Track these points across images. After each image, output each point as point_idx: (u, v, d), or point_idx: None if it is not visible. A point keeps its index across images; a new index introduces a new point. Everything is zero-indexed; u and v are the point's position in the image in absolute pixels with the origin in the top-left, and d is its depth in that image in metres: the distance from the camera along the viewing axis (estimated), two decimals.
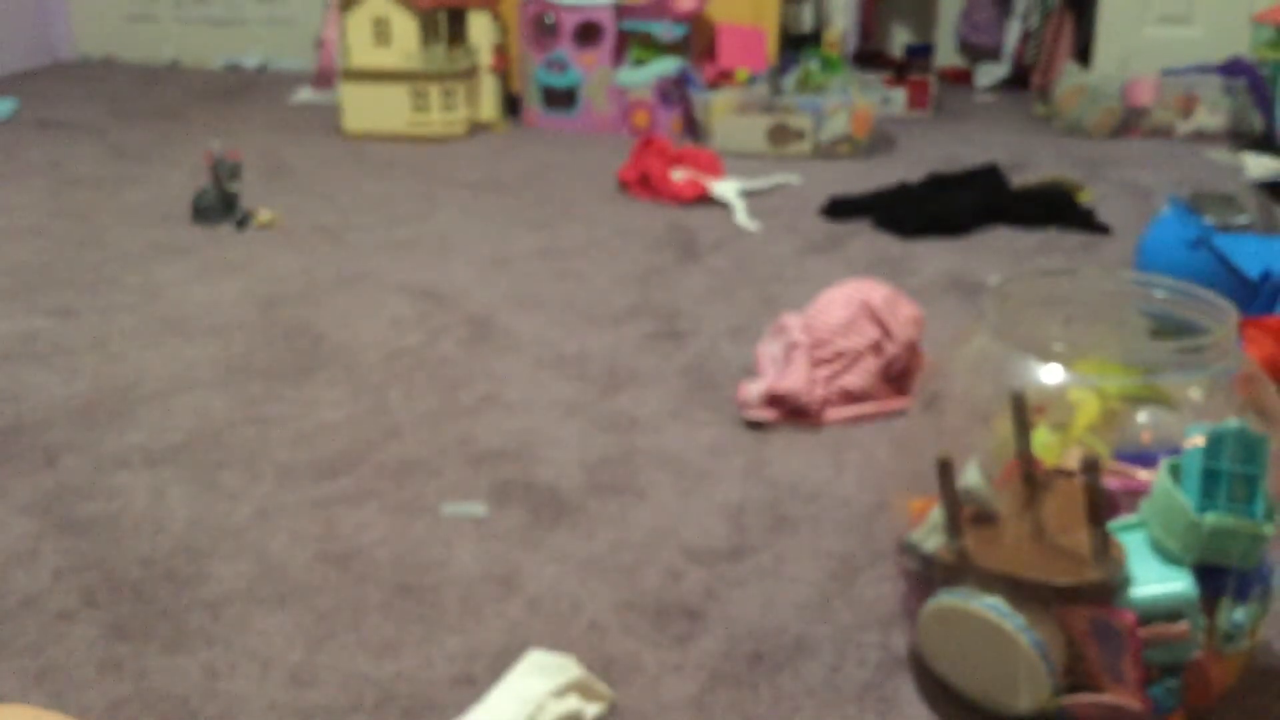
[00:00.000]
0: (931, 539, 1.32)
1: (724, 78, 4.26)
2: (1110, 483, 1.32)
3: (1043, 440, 1.38)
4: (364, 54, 4.10)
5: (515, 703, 1.30)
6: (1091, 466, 1.21)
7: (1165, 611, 1.22)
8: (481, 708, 1.32)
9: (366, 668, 1.41)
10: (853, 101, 3.96)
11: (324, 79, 4.72)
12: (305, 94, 4.80)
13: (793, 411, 2.05)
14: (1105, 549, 1.23)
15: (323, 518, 1.74)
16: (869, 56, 5.15)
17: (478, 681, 1.39)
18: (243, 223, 3.11)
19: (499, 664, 1.41)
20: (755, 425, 2.04)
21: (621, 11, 4.26)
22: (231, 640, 1.46)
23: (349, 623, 1.50)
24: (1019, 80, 5.17)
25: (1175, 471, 1.26)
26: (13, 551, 1.64)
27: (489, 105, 4.36)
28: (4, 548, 1.65)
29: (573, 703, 1.31)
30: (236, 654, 1.44)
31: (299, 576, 1.59)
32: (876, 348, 2.12)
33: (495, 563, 1.63)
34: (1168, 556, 1.25)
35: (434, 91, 4.13)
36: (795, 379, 2.05)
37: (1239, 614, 1.26)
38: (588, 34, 4.25)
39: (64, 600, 1.54)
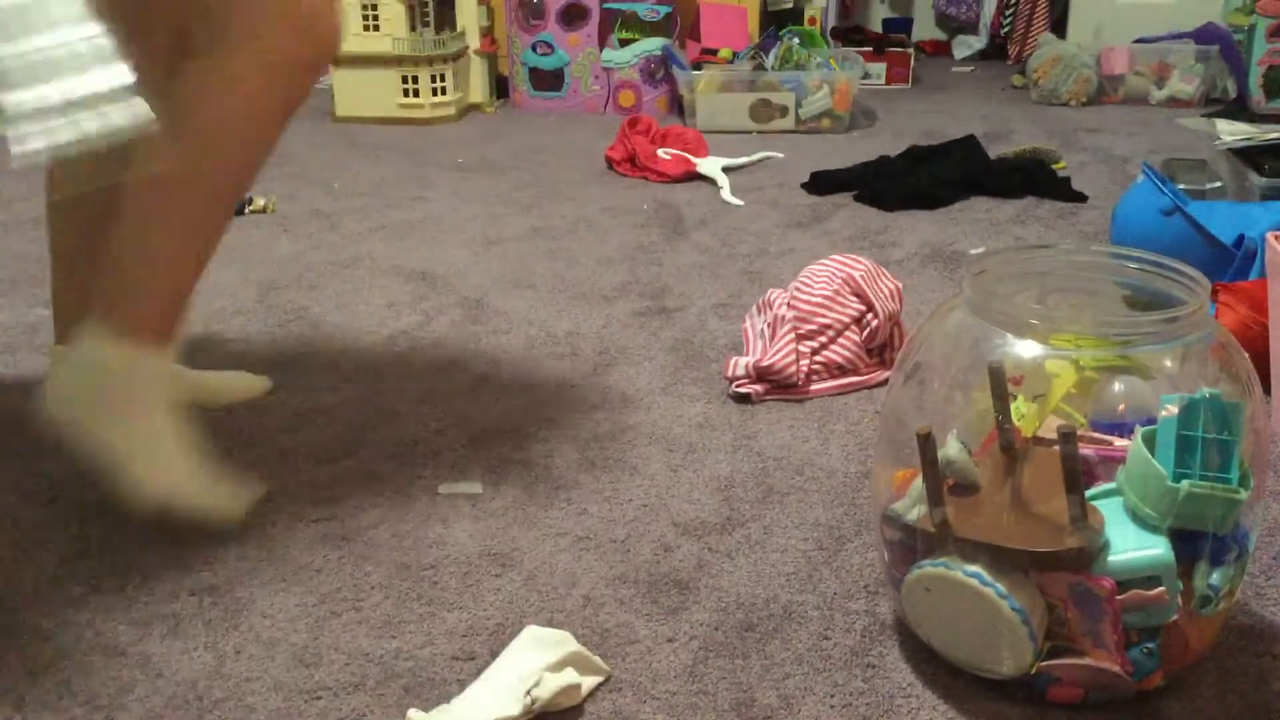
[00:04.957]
0: (914, 510, 1.33)
1: (707, 56, 4.28)
2: (1087, 451, 1.33)
3: (1021, 411, 1.38)
4: (353, 39, 4.10)
5: (514, 677, 1.32)
6: (1069, 436, 1.21)
7: (1143, 576, 1.23)
8: (481, 682, 1.34)
9: (369, 646, 1.43)
10: (834, 77, 3.98)
11: None
12: None
13: (779, 385, 2.08)
14: (1083, 516, 1.23)
15: (323, 499, 1.76)
16: (849, 32, 5.16)
17: (477, 657, 1.41)
18: (239, 209, 3.13)
19: (497, 639, 1.43)
20: (742, 399, 2.06)
21: None
22: (237, 623, 1.49)
23: (351, 602, 1.52)
24: (996, 52, 5.19)
25: (1151, 439, 1.26)
26: (19, 543, 1.66)
27: (478, 87, 4.37)
28: (12, 540, 1.67)
29: (570, 676, 1.33)
30: (242, 636, 1.46)
31: (300, 558, 1.61)
32: (859, 321, 2.15)
33: (492, 540, 1.65)
34: (1144, 523, 1.25)
35: (424, 75, 4.14)
36: (780, 353, 2.08)
37: (1215, 577, 1.27)
38: (573, 15, 4.26)
39: (71, 589, 1.55)
